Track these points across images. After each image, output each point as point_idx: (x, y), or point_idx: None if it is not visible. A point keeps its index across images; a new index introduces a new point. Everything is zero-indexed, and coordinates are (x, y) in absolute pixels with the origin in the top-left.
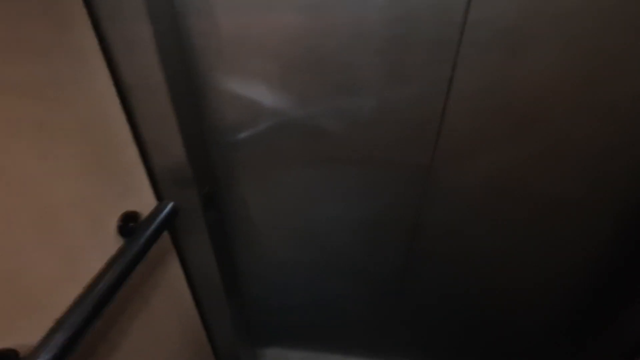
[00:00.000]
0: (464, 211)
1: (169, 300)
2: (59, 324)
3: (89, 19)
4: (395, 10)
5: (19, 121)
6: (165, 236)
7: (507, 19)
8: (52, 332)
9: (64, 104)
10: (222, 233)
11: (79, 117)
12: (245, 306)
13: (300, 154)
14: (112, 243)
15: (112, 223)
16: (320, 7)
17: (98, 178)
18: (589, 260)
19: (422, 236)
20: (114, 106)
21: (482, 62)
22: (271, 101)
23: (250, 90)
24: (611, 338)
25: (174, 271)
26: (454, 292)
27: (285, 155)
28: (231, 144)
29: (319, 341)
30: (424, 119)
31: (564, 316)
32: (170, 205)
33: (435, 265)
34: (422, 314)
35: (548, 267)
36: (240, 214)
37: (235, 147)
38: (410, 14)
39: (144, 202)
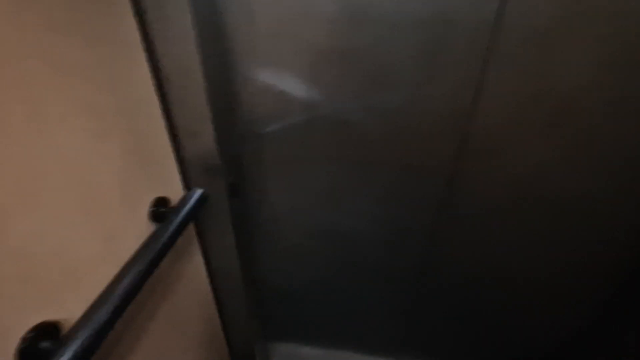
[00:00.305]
0: (488, 211)
1: (190, 288)
2: (99, 301)
3: (133, 6)
4: (431, 6)
5: (75, 100)
6: (190, 225)
7: (541, 17)
8: (93, 308)
9: (109, 88)
10: (244, 224)
11: (121, 102)
12: (261, 300)
13: (325, 150)
14: (144, 227)
15: (145, 207)
16: (356, 1)
17: (135, 162)
18: (617, 263)
19: (444, 236)
20: (151, 93)
21: (514, 60)
22: (301, 94)
23: (281, 82)
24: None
25: (196, 260)
26: (473, 293)
27: (310, 150)
28: (258, 135)
29: (332, 338)
30: (453, 117)
31: (588, 319)
32: (199, 193)
33: (456, 266)
34: (439, 314)
35: (573, 269)
36: (261, 206)
37: (262, 139)
38: (445, 10)
39: (173, 189)
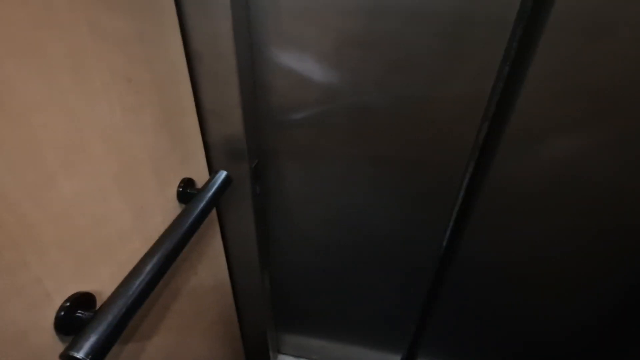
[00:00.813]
0: (514, 205)
1: (209, 272)
2: (131, 276)
3: None
4: None
5: (115, 72)
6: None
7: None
8: (126, 282)
9: (146, 63)
10: (263, 210)
11: (156, 78)
12: (275, 288)
13: (347, 138)
14: (172, 207)
15: (174, 187)
16: None
17: (166, 140)
18: None
19: (462, 232)
20: (183, 71)
21: (552, 45)
22: (323, 79)
23: (304, 68)
24: None
25: (216, 243)
26: (492, 293)
27: (331, 137)
28: (280, 121)
29: (343, 331)
30: (475, 103)
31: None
32: (224, 175)
33: (475, 263)
34: (459, 309)
35: (606, 267)
36: (279, 194)
37: (284, 125)
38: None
39: (198, 170)
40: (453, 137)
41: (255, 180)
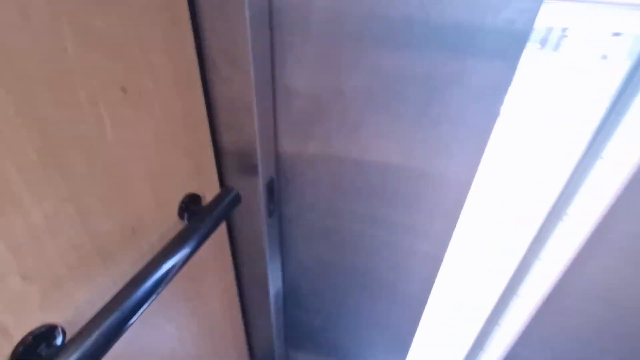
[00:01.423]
0: None
1: (217, 288)
2: (112, 304)
3: None
4: None
5: (103, 82)
6: (221, 224)
7: None
8: (104, 311)
9: (147, 70)
10: (276, 228)
11: (159, 87)
12: (285, 308)
13: (364, 157)
14: (173, 224)
15: (175, 203)
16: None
17: (169, 153)
18: None
19: None
20: (194, 80)
21: None
22: (345, 90)
23: (324, 78)
24: None
25: (224, 261)
26: None
27: (350, 155)
28: (297, 135)
29: (352, 353)
30: None
31: None
32: (233, 194)
33: None
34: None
35: None
36: (291, 212)
37: (302, 139)
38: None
39: (207, 185)
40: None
41: (270, 197)
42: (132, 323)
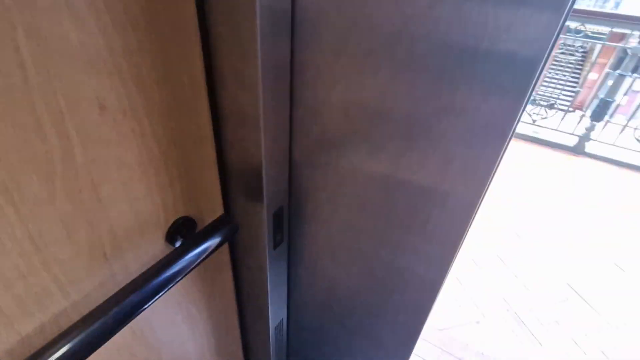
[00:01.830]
0: None
1: (215, 311)
2: (65, 335)
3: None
4: None
5: (72, 98)
6: (225, 246)
7: None
8: (54, 342)
9: (136, 84)
10: (283, 260)
11: (151, 103)
12: (288, 337)
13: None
14: (159, 249)
15: (164, 227)
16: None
17: (159, 174)
18: None
19: None
20: (200, 97)
21: None
22: (370, 112)
23: (348, 97)
24: None
25: (225, 284)
26: None
27: (370, 177)
28: (313, 161)
29: None
30: None
31: None
32: (231, 223)
33: None
34: None
35: None
36: (302, 243)
37: (316, 165)
38: None
39: (208, 209)
40: None
41: (277, 227)
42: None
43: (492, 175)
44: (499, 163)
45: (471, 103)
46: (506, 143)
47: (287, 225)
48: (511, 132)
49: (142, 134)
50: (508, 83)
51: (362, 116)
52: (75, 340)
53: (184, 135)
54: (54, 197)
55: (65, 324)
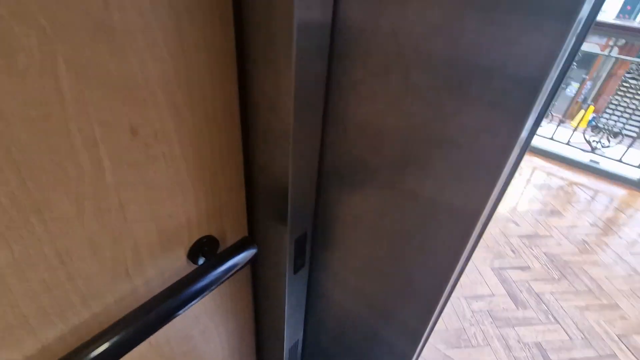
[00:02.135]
0: None
1: (232, 331)
2: (102, 335)
3: (233, 15)
4: None
5: (106, 124)
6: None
7: None
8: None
9: (168, 108)
10: (302, 284)
11: (182, 126)
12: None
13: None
14: (180, 267)
15: (186, 245)
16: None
17: (186, 194)
18: None
19: None
20: (232, 119)
21: None
22: (408, 136)
23: (386, 120)
24: None
25: (244, 303)
26: None
27: (401, 201)
28: (341, 185)
29: None
30: None
31: None
32: (251, 247)
33: None
34: None
35: None
36: (323, 268)
37: (345, 190)
38: None
39: (232, 228)
40: None
41: (298, 252)
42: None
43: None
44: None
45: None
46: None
47: (309, 250)
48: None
49: (172, 156)
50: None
51: (401, 140)
52: (96, 351)
53: (213, 156)
54: (83, 216)
55: (86, 335)
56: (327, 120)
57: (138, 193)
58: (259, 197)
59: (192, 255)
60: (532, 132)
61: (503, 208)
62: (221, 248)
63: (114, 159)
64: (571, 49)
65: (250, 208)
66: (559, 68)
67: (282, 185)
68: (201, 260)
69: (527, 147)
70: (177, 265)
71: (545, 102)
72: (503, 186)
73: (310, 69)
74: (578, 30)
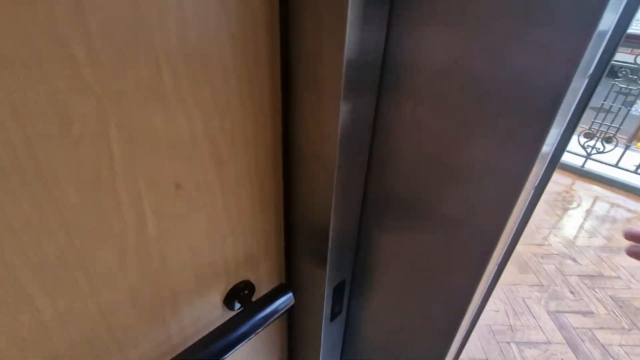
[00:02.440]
0: None
1: None
2: None
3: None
4: None
5: (150, 180)
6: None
7: None
8: None
9: (211, 162)
10: (339, 331)
11: (225, 179)
12: None
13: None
14: (217, 313)
15: (222, 292)
16: None
17: (226, 242)
18: None
19: None
20: (276, 168)
21: None
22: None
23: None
24: None
25: (279, 346)
26: None
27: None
28: (385, 229)
29: None
30: None
31: None
32: (286, 295)
33: None
34: None
35: None
36: (361, 315)
37: (387, 234)
38: None
39: (270, 274)
40: None
41: (336, 300)
42: None
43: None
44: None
45: None
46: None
47: (347, 297)
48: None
49: (214, 207)
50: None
51: (441, 172)
52: None
53: (254, 203)
54: (125, 269)
55: None
56: (371, 162)
57: (179, 243)
58: (298, 243)
59: (228, 300)
60: (560, 149)
61: (557, 241)
62: (258, 294)
63: (157, 212)
64: (599, 61)
65: (289, 253)
66: (585, 80)
67: (323, 233)
68: (237, 306)
69: (554, 164)
70: (213, 311)
71: (571, 117)
72: (527, 208)
73: (356, 117)
74: (605, 42)
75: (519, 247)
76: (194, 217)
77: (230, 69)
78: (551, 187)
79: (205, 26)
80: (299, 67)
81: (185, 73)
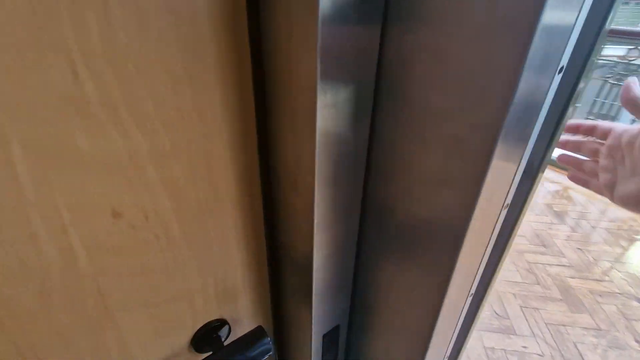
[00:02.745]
0: None
1: None
2: None
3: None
4: None
5: (86, 208)
6: None
7: None
8: None
9: (188, 188)
10: None
11: (200, 203)
12: None
13: None
14: (181, 354)
15: (188, 333)
16: None
17: (189, 278)
18: None
19: None
20: (254, 192)
21: None
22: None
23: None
24: None
25: None
26: None
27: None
28: (382, 266)
29: None
30: None
31: None
32: (264, 341)
33: None
34: None
35: None
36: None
37: (384, 273)
38: None
39: (244, 311)
40: None
41: (328, 348)
42: None
43: None
44: None
45: None
46: None
47: (343, 342)
48: None
49: (169, 238)
50: None
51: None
52: None
53: (224, 233)
54: (49, 310)
55: None
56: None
57: (125, 280)
58: (284, 279)
59: (197, 342)
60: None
61: (620, 277)
62: (234, 335)
63: (90, 245)
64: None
65: (275, 289)
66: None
67: (305, 272)
68: (208, 349)
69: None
70: (178, 355)
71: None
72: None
73: (341, 142)
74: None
75: (571, 282)
76: (142, 250)
77: (180, 74)
78: (615, 215)
79: (140, 22)
80: (272, 67)
81: (115, 80)
